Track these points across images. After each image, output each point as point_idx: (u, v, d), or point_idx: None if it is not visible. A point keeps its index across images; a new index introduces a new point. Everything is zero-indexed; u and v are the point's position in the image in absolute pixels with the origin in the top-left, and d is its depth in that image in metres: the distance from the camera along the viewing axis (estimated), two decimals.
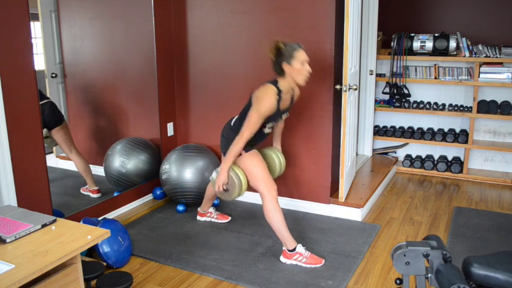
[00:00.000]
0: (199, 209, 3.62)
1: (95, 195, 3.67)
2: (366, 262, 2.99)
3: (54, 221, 1.97)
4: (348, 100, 3.55)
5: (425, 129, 4.91)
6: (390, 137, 4.95)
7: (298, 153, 3.73)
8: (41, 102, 2.82)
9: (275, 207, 2.91)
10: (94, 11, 3.88)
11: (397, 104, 4.87)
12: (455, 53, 4.57)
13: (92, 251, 2.94)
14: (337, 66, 3.51)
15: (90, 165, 3.71)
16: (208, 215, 3.60)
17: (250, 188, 3.03)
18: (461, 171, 4.66)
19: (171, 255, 3.06)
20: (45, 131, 3.03)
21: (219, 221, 3.57)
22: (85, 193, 3.68)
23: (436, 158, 4.89)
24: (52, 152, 3.67)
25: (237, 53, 3.82)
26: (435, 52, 4.58)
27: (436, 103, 4.80)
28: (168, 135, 4.12)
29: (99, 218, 3.32)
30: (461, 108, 4.67)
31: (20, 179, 2.71)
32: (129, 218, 3.60)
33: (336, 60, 3.49)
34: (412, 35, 4.67)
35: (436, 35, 4.59)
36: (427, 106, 4.83)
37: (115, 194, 3.69)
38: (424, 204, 3.98)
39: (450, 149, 4.86)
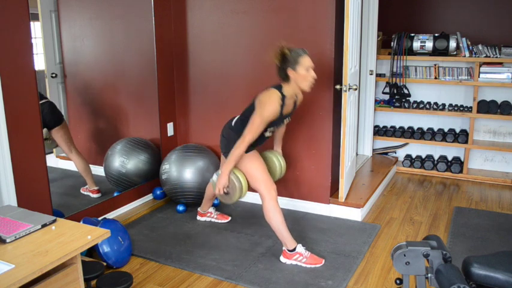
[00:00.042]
0: (199, 209, 3.62)
1: (95, 195, 3.67)
2: (366, 262, 2.99)
3: (54, 221, 1.97)
4: (348, 100, 3.55)
5: (425, 129, 4.91)
6: (390, 137, 4.95)
7: (298, 153, 3.73)
8: (39, 102, 2.82)
9: (275, 208, 2.91)
10: (94, 11, 3.88)
11: (397, 104, 4.87)
12: (455, 53, 4.57)
13: (92, 251, 2.94)
14: (337, 66, 3.51)
15: (90, 165, 3.71)
16: (208, 215, 3.60)
17: (250, 188, 3.03)
18: (461, 171, 4.66)
19: (171, 255, 3.07)
20: (45, 132, 3.03)
21: (219, 221, 3.57)
22: (85, 193, 3.68)
23: (436, 158, 4.89)
24: (52, 152, 3.67)
25: (237, 53, 3.82)
26: (435, 52, 4.58)
27: (436, 103, 4.80)
28: (168, 135, 4.12)
29: (99, 218, 3.32)
30: (461, 108, 4.67)
31: (20, 179, 2.71)
32: (129, 218, 3.60)
33: (336, 60, 3.49)
34: (412, 35, 4.67)
35: (436, 35, 4.59)
36: (427, 106, 4.84)
37: (115, 194, 3.69)
38: (424, 204, 3.98)
39: (450, 149, 4.86)
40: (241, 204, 3.91)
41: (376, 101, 5.01)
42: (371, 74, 4.78)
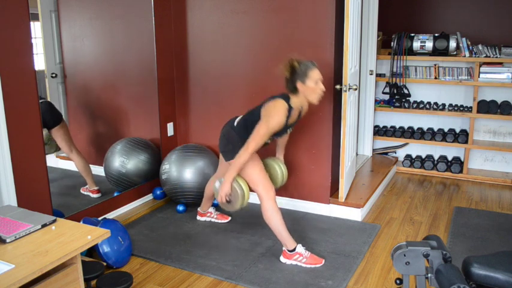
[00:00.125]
0: (199, 209, 3.62)
1: (95, 195, 3.67)
2: (366, 262, 2.99)
3: (54, 221, 1.97)
4: (348, 100, 3.55)
5: (425, 129, 4.91)
6: (390, 137, 4.95)
7: (298, 153, 3.72)
8: None
9: (273, 208, 2.91)
10: (94, 11, 3.88)
11: (397, 104, 4.87)
12: (455, 53, 4.57)
13: (92, 251, 2.94)
14: (337, 66, 3.51)
15: (90, 165, 3.71)
16: (208, 215, 3.60)
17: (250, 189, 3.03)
18: (461, 171, 4.66)
19: (171, 255, 3.07)
20: (45, 135, 3.02)
21: (219, 221, 3.57)
22: (85, 193, 3.68)
23: (436, 158, 4.89)
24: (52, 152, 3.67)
25: (237, 53, 3.82)
26: (435, 52, 4.58)
27: (436, 103, 4.80)
28: (168, 135, 4.12)
29: (99, 218, 3.32)
30: (461, 108, 4.67)
31: (20, 179, 2.71)
32: (129, 218, 3.60)
33: (336, 60, 3.49)
34: (412, 35, 4.67)
35: (436, 35, 4.59)
36: (427, 106, 4.84)
37: (115, 194, 3.69)
38: (424, 204, 3.98)
39: (450, 149, 4.86)
40: None
41: (376, 101, 5.01)
42: (371, 74, 4.78)
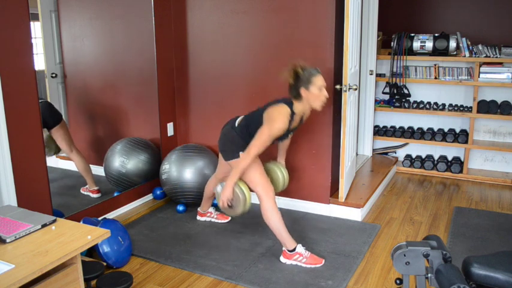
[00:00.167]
0: (199, 209, 3.62)
1: (95, 195, 3.67)
2: (366, 262, 2.99)
3: (54, 221, 1.97)
4: (348, 100, 3.55)
5: (425, 129, 4.91)
6: (390, 137, 4.95)
7: (298, 153, 3.72)
8: None
9: (273, 208, 2.91)
10: (94, 11, 3.88)
11: (397, 104, 4.87)
12: (455, 53, 4.57)
13: (92, 251, 2.94)
14: (337, 66, 3.51)
15: (90, 165, 3.71)
16: (208, 214, 3.60)
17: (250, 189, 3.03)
18: (461, 171, 4.66)
19: (171, 255, 3.07)
20: (45, 137, 3.02)
21: (219, 221, 3.57)
22: (85, 193, 3.68)
23: (436, 158, 4.89)
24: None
25: (237, 53, 3.82)
26: (435, 52, 4.58)
27: (436, 103, 4.80)
28: (168, 135, 4.12)
29: (99, 218, 3.32)
30: (461, 108, 4.67)
31: (20, 179, 2.71)
32: (129, 218, 3.60)
33: (336, 60, 3.49)
34: (412, 35, 4.67)
35: (436, 35, 4.59)
36: (427, 106, 4.84)
37: (115, 194, 3.69)
38: (424, 204, 3.98)
39: (450, 149, 4.86)
40: None
41: (376, 101, 5.01)
42: (371, 74, 4.78)
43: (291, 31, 3.55)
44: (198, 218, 3.63)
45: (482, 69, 4.44)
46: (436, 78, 4.71)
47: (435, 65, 4.71)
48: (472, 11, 4.75)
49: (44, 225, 1.92)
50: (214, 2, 3.81)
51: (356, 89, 3.67)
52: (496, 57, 4.38)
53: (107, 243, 2.84)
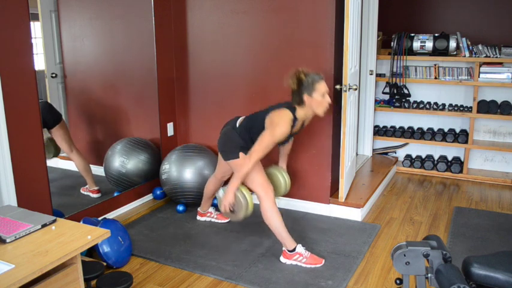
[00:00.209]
0: (199, 209, 3.62)
1: (95, 195, 3.67)
2: (366, 262, 2.99)
3: (54, 221, 1.97)
4: (348, 100, 3.55)
5: (425, 129, 4.91)
6: (390, 137, 4.95)
7: (298, 153, 3.72)
8: None
9: (272, 208, 2.91)
10: (94, 11, 3.88)
11: (397, 104, 4.87)
12: (455, 53, 4.57)
13: (92, 251, 2.94)
14: (337, 66, 3.51)
15: (90, 165, 3.71)
16: (208, 214, 3.60)
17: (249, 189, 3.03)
18: (461, 171, 4.66)
19: (171, 255, 3.07)
20: (45, 140, 3.02)
21: (219, 221, 3.57)
22: (85, 193, 3.68)
23: (436, 158, 4.89)
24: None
25: (237, 53, 3.82)
26: (435, 52, 4.58)
27: (436, 103, 4.80)
28: (168, 135, 4.12)
29: (99, 218, 3.32)
30: (461, 108, 4.67)
31: (20, 179, 2.71)
32: (129, 218, 3.60)
33: (336, 60, 3.49)
34: (412, 35, 4.67)
35: (436, 35, 4.59)
36: (427, 106, 4.84)
37: (115, 194, 3.69)
38: (424, 204, 3.98)
39: (450, 149, 4.86)
40: None
41: (376, 101, 5.01)
42: (371, 74, 4.78)
43: (291, 31, 3.55)
44: (198, 218, 3.63)
45: (482, 69, 4.44)
46: (436, 78, 4.71)
47: (435, 65, 4.71)
48: (472, 11, 4.75)
49: (44, 225, 1.92)
50: (214, 2, 3.81)
51: (356, 89, 3.67)
52: (496, 57, 4.38)
53: (107, 243, 2.84)
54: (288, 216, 3.53)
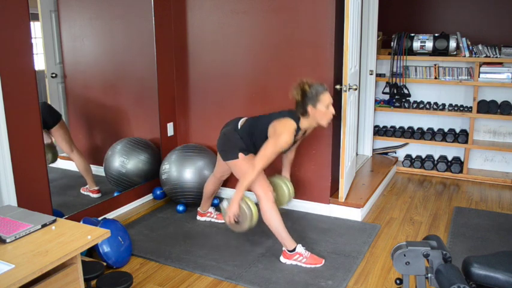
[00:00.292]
0: (199, 209, 3.62)
1: (95, 195, 3.67)
2: (366, 262, 2.99)
3: (54, 221, 1.97)
4: (348, 100, 3.55)
5: (425, 129, 4.91)
6: (390, 137, 4.95)
7: (298, 153, 3.72)
8: None
9: (272, 208, 2.91)
10: (94, 11, 3.88)
11: (397, 104, 4.87)
12: (455, 53, 4.57)
13: (92, 251, 2.94)
14: (337, 66, 3.51)
15: (90, 165, 3.71)
16: (208, 214, 3.60)
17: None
18: (461, 171, 4.66)
19: (171, 255, 3.07)
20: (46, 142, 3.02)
21: (219, 221, 3.57)
22: (85, 193, 3.68)
23: (436, 158, 4.89)
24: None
25: (237, 53, 3.82)
26: (435, 52, 4.58)
27: (436, 103, 4.80)
28: (168, 135, 4.12)
29: (99, 218, 3.32)
30: (461, 108, 4.67)
31: (20, 179, 2.71)
32: (129, 218, 3.60)
33: (336, 60, 3.49)
34: (412, 35, 4.67)
35: (436, 35, 4.59)
36: (427, 106, 4.84)
37: (115, 194, 3.69)
38: (424, 204, 3.98)
39: (450, 149, 4.86)
40: None
41: (376, 101, 5.01)
42: (371, 74, 4.78)
43: (291, 31, 3.55)
44: (198, 218, 3.63)
45: (482, 69, 4.44)
46: (436, 78, 4.71)
47: (435, 65, 4.71)
48: (472, 11, 4.75)
49: (44, 225, 1.92)
50: (214, 2, 3.81)
51: (356, 89, 3.67)
52: (496, 57, 4.38)
53: (107, 243, 2.84)
54: (288, 216, 3.53)
